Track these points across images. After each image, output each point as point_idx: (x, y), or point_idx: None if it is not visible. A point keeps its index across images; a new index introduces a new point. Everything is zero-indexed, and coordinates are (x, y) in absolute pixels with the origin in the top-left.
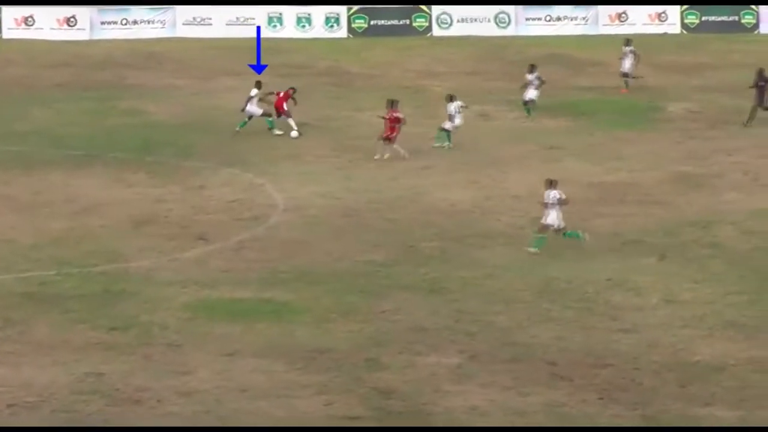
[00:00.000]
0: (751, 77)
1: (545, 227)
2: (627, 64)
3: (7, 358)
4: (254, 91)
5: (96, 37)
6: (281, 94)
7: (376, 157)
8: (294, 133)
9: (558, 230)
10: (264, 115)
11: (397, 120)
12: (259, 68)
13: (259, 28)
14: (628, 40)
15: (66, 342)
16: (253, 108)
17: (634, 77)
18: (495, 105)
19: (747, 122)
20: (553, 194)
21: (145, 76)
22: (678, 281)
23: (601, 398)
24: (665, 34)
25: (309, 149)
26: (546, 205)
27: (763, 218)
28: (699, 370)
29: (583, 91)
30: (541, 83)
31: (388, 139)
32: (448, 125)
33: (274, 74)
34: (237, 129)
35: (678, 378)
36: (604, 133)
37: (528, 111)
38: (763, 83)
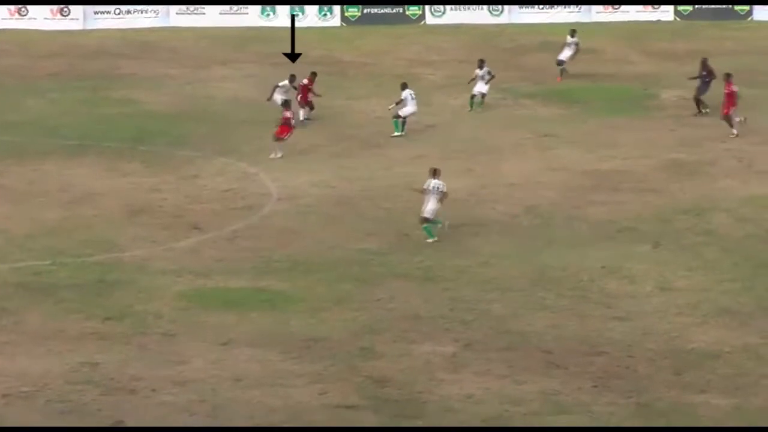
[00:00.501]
0: (745, 64)
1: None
2: (566, 53)
3: (2, 348)
4: (284, 82)
5: (89, 26)
6: (304, 83)
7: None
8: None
9: (425, 220)
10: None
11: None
12: (293, 57)
13: (293, 17)
14: (573, 31)
15: (60, 332)
16: (277, 96)
17: (562, 68)
18: (489, 93)
19: (699, 113)
20: (434, 183)
21: (139, 65)
22: (672, 269)
23: (595, 386)
24: (658, 21)
25: (302, 138)
26: (425, 192)
27: (757, 205)
28: (694, 358)
29: (576, 79)
30: (491, 77)
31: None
32: (402, 111)
33: (267, 63)
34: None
35: (673, 365)
36: (598, 120)
37: (472, 104)
38: (706, 74)
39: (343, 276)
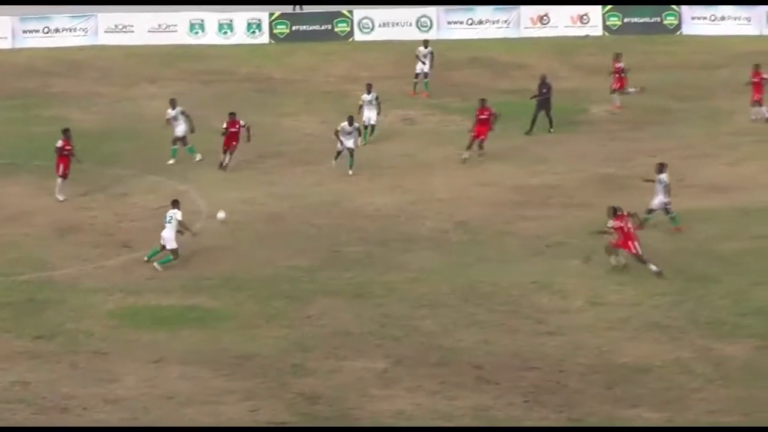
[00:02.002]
0: (674, 78)
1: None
2: (425, 66)
3: None
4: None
5: (18, 45)
6: (231, 131)
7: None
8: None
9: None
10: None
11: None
12: None
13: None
14: (425, 42)
15: None
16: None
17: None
18: (418, 109)
19: (529, 131)
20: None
21: (69, 84)
22: (603, 283)
23: (527, 401)
24: (587, 36)
25: (232, 155)
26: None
27: (687, 219)
28: (625, 372)
29: (506, 94)
30: (379, 104)
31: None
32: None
33: (196, 80)
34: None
35: (604, 380)
36: (527, 136)
37: (365, 136)
38: (546, 91)
39: (274, 293)
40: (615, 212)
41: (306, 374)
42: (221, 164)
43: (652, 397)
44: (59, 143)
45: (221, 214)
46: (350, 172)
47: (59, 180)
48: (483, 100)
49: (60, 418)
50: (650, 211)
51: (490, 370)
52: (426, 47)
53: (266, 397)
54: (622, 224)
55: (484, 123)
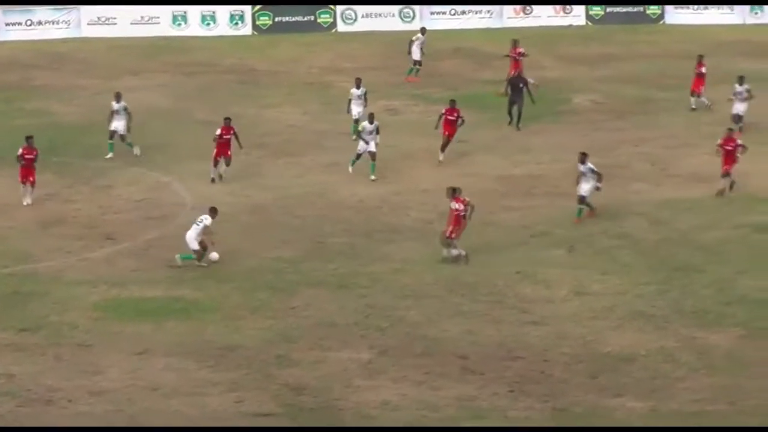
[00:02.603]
0: (657, 67)
1: None
2: (417, 52)
3: None
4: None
5: (1, 38)
6: (224, 138)
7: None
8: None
9: None
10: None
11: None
12: None
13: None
14: (423, 29)
15: None
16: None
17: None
18: (402, 99)
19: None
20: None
21: (51, 76)
22: (587, 273)
23: (511, 391)
24: (570, 26)
25: (228, 165)
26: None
27: (671, 208)
28: (609, 362)
29: (488, 85)
30: (366, 99)
31: None
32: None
33: (179, 72)
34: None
35: (588, 369)
36: (511, 126)
37: (354, 130)
38: (522, 84)
39: (258, 284)
40: (454, 193)
41: (291, 365)
42: (213, 179)
43: (637, 386)
44: (20, 151)
45: (214, 255)
46: (372, 177)
47: (23, 187)
48: (453, 101)
49: (44, 410)
50: (582, 199)
51: (475, 360)
52: (422, 33)
53: (251, 388)
54: (458, 206)
55: (452, 123)
